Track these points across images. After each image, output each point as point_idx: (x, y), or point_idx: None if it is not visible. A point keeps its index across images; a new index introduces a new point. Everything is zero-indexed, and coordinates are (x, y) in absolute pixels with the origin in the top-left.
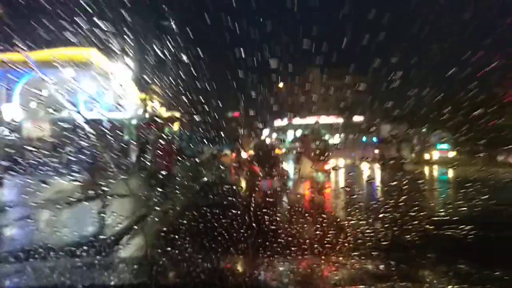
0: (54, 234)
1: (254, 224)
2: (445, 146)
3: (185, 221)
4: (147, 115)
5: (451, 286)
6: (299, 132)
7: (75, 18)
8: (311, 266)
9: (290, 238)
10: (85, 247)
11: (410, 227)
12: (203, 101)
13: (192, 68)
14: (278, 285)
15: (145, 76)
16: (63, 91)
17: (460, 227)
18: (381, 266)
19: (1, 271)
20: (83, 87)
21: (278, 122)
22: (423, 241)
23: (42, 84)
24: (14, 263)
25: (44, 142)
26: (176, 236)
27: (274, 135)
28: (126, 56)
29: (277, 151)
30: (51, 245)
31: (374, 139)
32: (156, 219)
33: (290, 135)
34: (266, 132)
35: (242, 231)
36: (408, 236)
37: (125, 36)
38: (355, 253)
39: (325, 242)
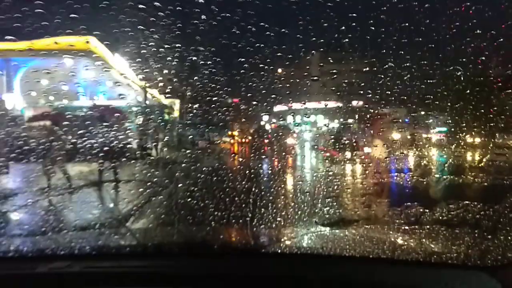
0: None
1: None
2: (443, 129)
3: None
4: (147, 102)
5: (406, 226)
6: (298, 118)
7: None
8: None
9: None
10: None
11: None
12: (201, 88)
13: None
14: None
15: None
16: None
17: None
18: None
19: (28, 240)
20: (83, 75)
21: (278, 108)
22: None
23: (43, 72)
24: (39, 235)
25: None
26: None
27: (274, 120)
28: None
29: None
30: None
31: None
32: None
33: (290, 120)
34: (266, 117)
35: None
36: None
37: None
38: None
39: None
